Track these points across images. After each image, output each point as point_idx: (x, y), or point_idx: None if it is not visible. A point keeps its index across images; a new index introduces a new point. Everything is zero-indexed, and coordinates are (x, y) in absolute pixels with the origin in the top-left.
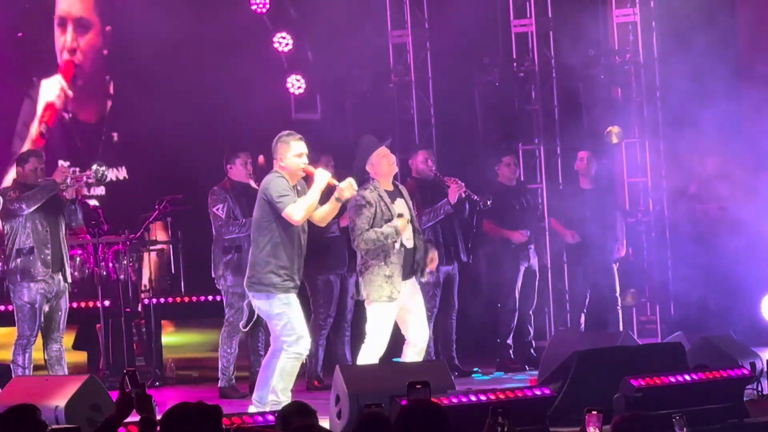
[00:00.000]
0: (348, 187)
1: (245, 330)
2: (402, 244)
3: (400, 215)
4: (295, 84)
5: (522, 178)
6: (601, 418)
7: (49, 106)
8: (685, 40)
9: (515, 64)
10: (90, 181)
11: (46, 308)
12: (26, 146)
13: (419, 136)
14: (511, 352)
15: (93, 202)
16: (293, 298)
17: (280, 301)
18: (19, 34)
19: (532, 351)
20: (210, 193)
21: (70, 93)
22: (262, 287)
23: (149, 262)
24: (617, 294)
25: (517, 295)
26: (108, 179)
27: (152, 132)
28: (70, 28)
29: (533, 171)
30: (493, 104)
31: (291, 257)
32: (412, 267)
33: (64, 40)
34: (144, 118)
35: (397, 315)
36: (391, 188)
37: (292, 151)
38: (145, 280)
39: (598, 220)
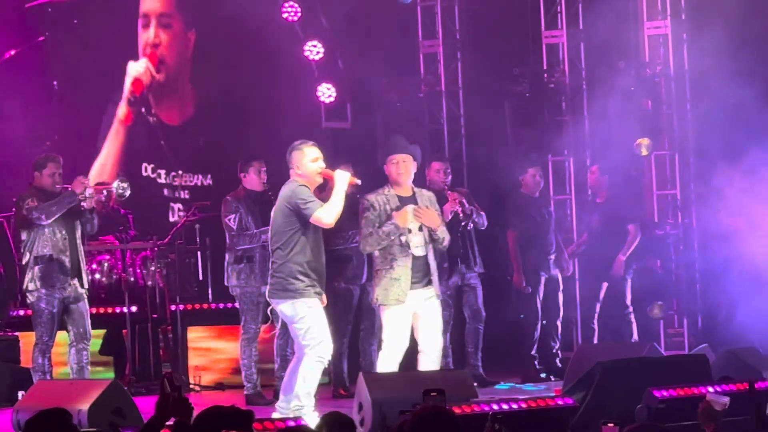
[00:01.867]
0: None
1: (277, 331)
2: (409, 251)
3: (397, 207)
4: (326, 92)
5: (551, 190)
6: (617, 431)
7: (137, 81)
8: (716, 52)
9: (546, 75)
10: (110, 194)
11: (68, 312)
12: (114, 126)
13: (449, 146)
14: (536, 363)
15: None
16: (316, 303)
17: (304, 305)
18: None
19: (557, 362)
20: (223, 203)
21: (156, 75)
22: (286, 293)
23: (176, 269)
24: (629, 305)
25: (539, 306)
26: (127, 196)
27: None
28: (153, 22)
29: (562, 182)
30: (523, 115)
31: (315, 264)
32: (426, 275)
33: (147, 36)
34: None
35: (412, 323)
36: (407, 194)
37: (307, 157)
38: (171, 287)
39: (608, 233)
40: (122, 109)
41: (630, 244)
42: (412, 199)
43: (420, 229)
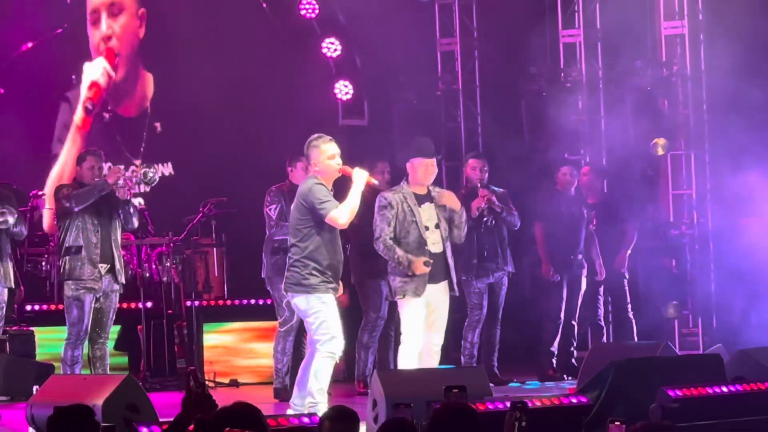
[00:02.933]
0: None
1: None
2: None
3: (427, 263)
4: (343, 90)
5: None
6: (624, 430)
7: (94, 84)
8: (733, 53)
9: (563, 74)
10: (139, 182)
11: (97, 306)
12: (71, 134)
13: (465, 144)
14: (553, 360)
15: (138, 201)
16: (330, 299)
17: (318, 299)
18: (59, 31)
19: (573, 361)
20: (267, 193)
21: (113, 74)
22: (300, 287)
23: (192, 265)
24: (628, 306)
25: (563, 305)
26: (156, 182)
27: (197, 127)
28: (103, 15)
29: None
30: (540, 114)
31: (330, 260)
32: (443, 271)
33: (99, 32)
34: (187, 111)
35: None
36: (423, 192)
37: (325, 154)
38: (187, 283)
39: (601, 233)
40: (79, 115)
41: (630, 241)
42: (428, 197)
43: (437, 226)
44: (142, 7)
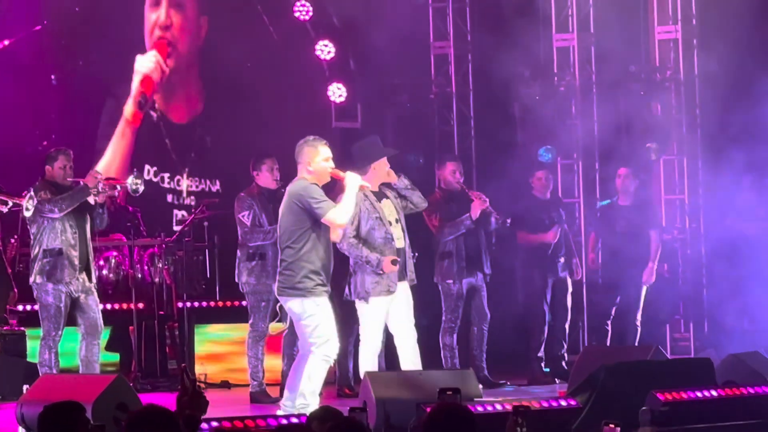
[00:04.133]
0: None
1: (285, 329)
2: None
3: (395, 261)
4: (336, 92)
5: (560, 193)
6: None
7: (147, 79)
8: (727, 57)
9: (556, 78)
10: (123, 189)
11: (77, 306)
12: (120, 128)
13: (458, 147)
14: (542, 365)
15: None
16: (325, 301)
17: (313, 303)
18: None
19: (563, 365)
20: (237, 200)
21: (166, 69)
22: (295, 291)
23: (184, 266)
24: (639, 313)
25: (546, 308)
26: (140, 192)
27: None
28: (164, 2)
29: (571, 185)
30: (533, 118)
31: (324, 262)
32: (403, 269)
33: (156, 17)
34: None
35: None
36: (377, 189)
37: (321, 156)
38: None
39: (631, 237)
40: (129, 109)
41: (657, 251)
42: (382, 194)
43: (397, 221)
44: (205, 14)
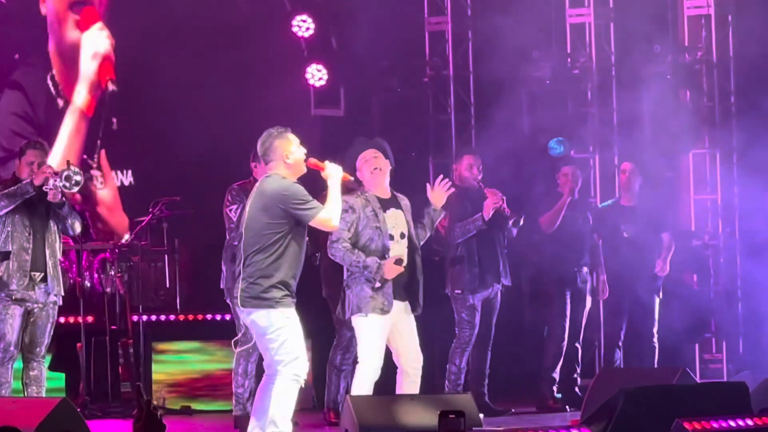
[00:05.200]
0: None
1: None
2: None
3: (399, 260)
4: (316, 75)
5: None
6: None
7: (106, 58)
8: (766, 35)
9: (569, 59)
10: (62, 184)
11: (31, 320)
12: (73, 120)
13: (456, 139)
14: (554, 388)
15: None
16: (293, 313)
17: (282, 314)
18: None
19: (576, 390)
20: (228, 191)
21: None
22: (262, 302)
23: (140, 274)
24: (655, 329)
25: (566, 324)
26: (81, 185)
27: (152, 121)
28: None
29: (586, 183)
30: (543, 105)
31: (294, 271)
32: (406, 288)
33: None
34: (144, 106)
35: (388, 339)
36: (386, 196)
37: (293, 143)
38: (134, 295)
39: (637, 243)
40: (83, 98)
41: (669, 247)
42: (393, 202)
43: (402, 236)
44: None
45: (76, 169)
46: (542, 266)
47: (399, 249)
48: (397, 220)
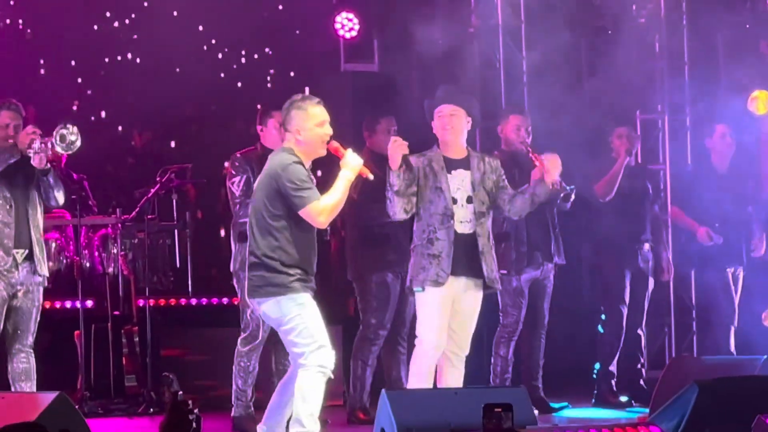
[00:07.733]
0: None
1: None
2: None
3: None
4: (347, 25)
5: (639, 158)
6: None
7: None
8: None
9: (634, 6)
10: (55, 146)
11: (14, 304)
12: None
13: (506, 96)
14: (613, 382)
15: None
16: (309, 299)
17: (293, 301)
18: None
19: (642, 382)
20: (230, 160)
21: None
22: (269, 289)
23: (146, 252)
24: (735, 311)
25: (624, 309)
26: (78, 147)
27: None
28: None
29: (654, 147)
30: (605, 59)
31: (306, 254)
32: (471, 263)
33: None
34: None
35: None
36: (460, 155)
37: (313, 120)
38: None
39: (730, 215)
40: None
41: (765, 222)
42: (465, 163)
43: (469, 200)
44: None
45: (72, 128)
46: (599, 242)
47: (461, 213)
48: (462, 183)
